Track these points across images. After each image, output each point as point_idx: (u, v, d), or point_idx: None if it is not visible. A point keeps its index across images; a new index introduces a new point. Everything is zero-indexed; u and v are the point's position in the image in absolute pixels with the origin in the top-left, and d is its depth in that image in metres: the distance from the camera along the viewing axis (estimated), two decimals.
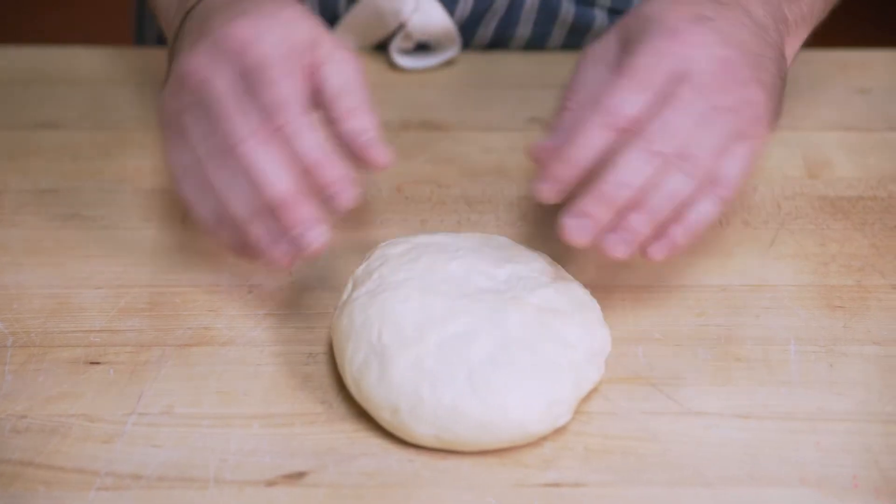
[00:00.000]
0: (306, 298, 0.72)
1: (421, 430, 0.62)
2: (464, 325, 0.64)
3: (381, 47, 0.93)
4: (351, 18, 0.91)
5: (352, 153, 0.66)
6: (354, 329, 0.65)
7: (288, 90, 0.63)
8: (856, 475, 0.62)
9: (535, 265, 0.69)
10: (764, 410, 0.65)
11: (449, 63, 0.93)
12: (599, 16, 0.93)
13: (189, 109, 0.65)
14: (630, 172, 0.63)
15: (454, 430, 0.62)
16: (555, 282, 0.68)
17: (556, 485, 0.62)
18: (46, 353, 0.69)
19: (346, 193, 0.64)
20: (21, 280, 0.73)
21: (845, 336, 0.70)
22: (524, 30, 0.94)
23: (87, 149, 0.85)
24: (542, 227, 0.77)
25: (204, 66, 0.65)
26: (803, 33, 0.75)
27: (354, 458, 0.63)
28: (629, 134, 0.64)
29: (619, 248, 0.64)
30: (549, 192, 0.65)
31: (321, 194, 0.64)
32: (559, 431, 0.64)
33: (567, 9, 0.93)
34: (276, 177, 0.63)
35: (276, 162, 0.63)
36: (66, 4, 2.10)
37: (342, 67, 0.67)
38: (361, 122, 0.66)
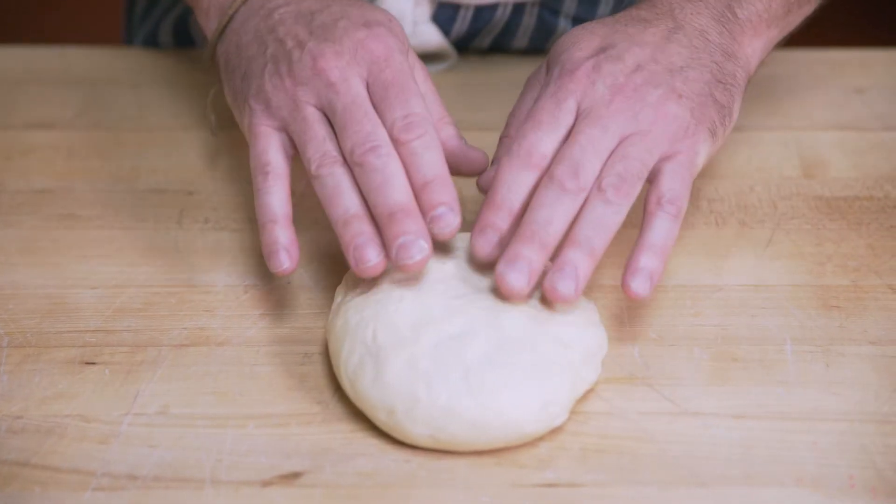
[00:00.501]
0: (302, 298, 0.72)
1: (417, 431, 0.62)
2: (459, 326, 0.64)
3: None
4: None
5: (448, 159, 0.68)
6: (349, 330, 0.65)
7: (421, 107, 0.67)
8: (852, 475, 0.62)
9: None
10: (760, 410, 0.65)
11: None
12: None
13: (317, 103, 0.68)
14: (547, 211, 0.65)
15: (450, 431, 0.62)
16: None
17: (553, 485, 0.62)
18: (42, 353, 0.69)
19: (450, 219, 0.65)
20: (16, 280, 0.73)
21: (841, 336, 0.70)
22: (520, 42, 0.94)
23: (83, 149, 0.85)
24: None
25: (342, 67, 0.68)
26: (766, 29, 0.75)
27: (351, 458, 0.63)
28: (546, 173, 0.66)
29: (563, 285, 0.64)
30: (486, 244, 0.66)
31: (426, 215, 0.65)
32: (555, 431, 0.64)
33: (564, 27, 0.92)
34: (402, 185, 0.65)
35: (402, 171, 0.65)
36: (65, 5, 2.09)
37: (424, 76, 0.72)
38: (450, 130, 0.71)
